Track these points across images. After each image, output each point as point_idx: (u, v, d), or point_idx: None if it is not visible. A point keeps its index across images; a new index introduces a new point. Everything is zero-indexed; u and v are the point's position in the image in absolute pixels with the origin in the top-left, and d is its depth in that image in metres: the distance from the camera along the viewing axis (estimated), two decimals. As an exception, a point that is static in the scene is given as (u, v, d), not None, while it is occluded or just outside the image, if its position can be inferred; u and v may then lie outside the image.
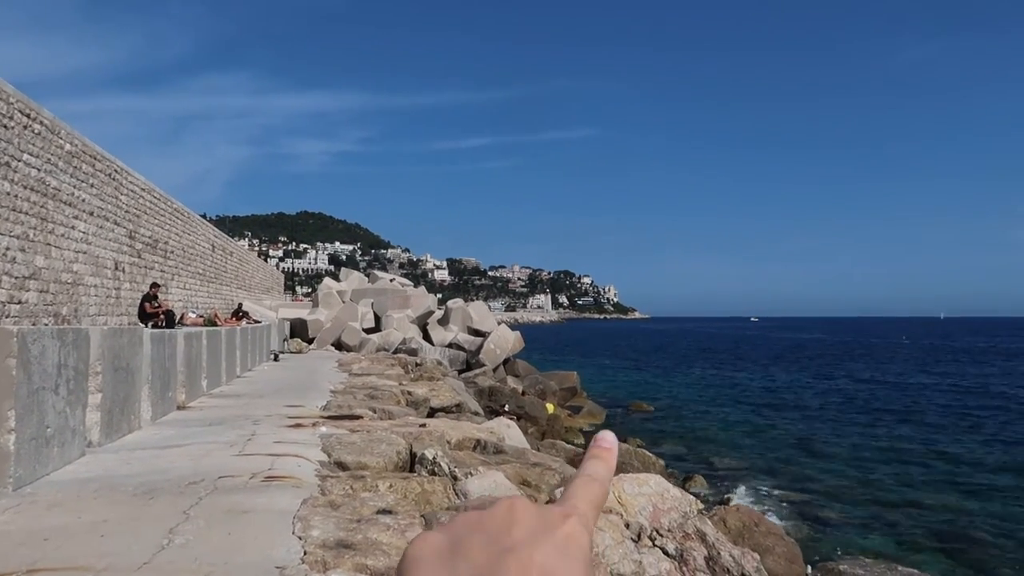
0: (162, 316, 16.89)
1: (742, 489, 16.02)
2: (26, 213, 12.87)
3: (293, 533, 4.25)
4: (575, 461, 12.51)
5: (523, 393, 24.98)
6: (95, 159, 16.72)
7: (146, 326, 16.31)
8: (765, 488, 16.34)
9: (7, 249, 12.05)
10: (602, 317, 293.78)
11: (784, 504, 15.24)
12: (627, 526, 6.33)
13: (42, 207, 13.60)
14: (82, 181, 15.80)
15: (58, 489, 5.26)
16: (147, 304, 17.06)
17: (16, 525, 4.34)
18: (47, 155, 13.88)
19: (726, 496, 15.03)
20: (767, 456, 20.26)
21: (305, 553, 3.92)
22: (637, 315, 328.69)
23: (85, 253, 15.85)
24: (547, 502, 6.64)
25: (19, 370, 5.24)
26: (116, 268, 18.01)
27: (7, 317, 11.90)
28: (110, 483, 5.45)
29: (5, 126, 12.13)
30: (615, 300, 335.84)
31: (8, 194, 12.17)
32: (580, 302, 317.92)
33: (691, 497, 6.99)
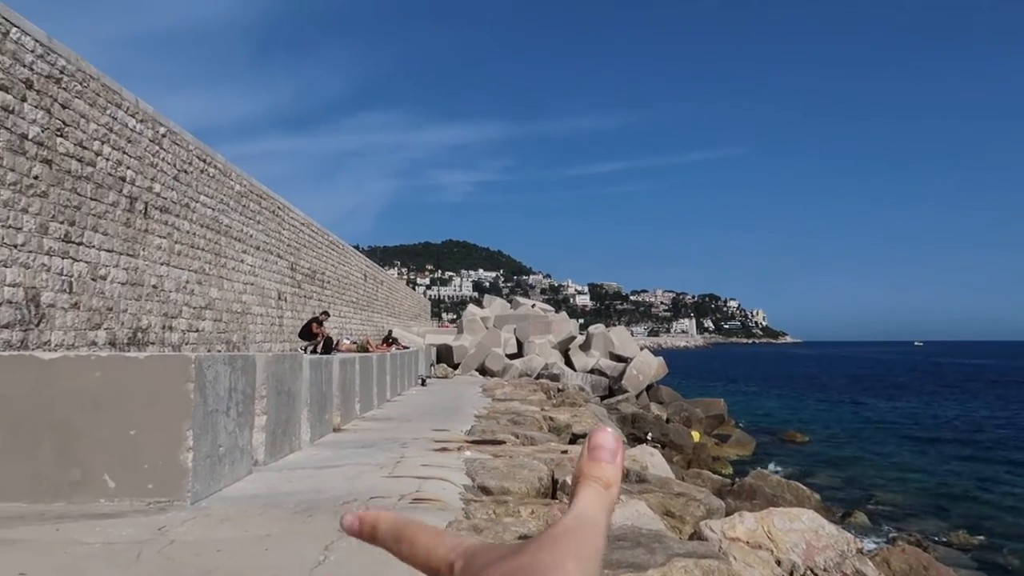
0: (321, 340, 17.96)
1: (908, 529, 14.78)
2: (203, 249, 14.14)
3: (438, 555, 4.35)
4: (722, 492, 12.06)
5: (667, 420, 24.41)
6: (261, 197, 18.15)
7: (304, 346, 17.47)
8: (935, 529, 14.99)
9: (187, 282, 13.28)
10: (750, 341, 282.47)
11: (956, 548, 13.91)
12: (778, 563, 6.02)
13: (216, 243, 14.90)
14: (250, 218, 17.18)
15: (229, 504, 5.69)
16: (313, 324, 18.17)
17: (193, 536, 4.73)
18: (220, 195, 15.23)
19: (890, 536, 13.93)
20: (937, 494, 18.61)
21: None
22: (788, 339, 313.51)
23: (252, 284, 17.18)
24: (691, 536, 6.44)
25: (196, 394, 5.74)
26: (279, 298, 19.38)
27: (187, 344, 13.08)
28: (273, 500, 5.84)
29: (185, 171, 13.43)
30: (764, 324, 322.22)
31: (188, 232, 13.43)
32: (726, 326, 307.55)
33: (849, 535, 6.56)
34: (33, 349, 8.37)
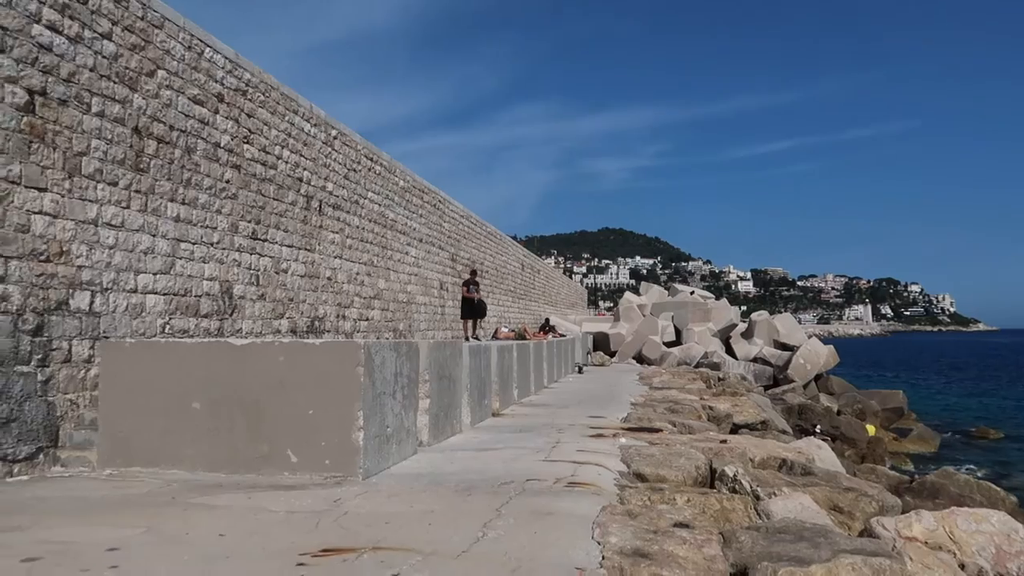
0: (476, 299, 18.86)
1: None
2: (371, 243, 15.01)
3: (592, 538, 4.43)
4: (899, 489, 11.27)
5: (838, 412, 23.07)
6: (423, 192, 18.98)
7: (462, 311, 18.61)
8: None
9: (357, 274, 14.16)
10: (936, 329, 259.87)
11: None
12: (962, 567, 5.59)
13: (383, 236, 15.77)
14: (413, 212, 18.02)
15: (396, 481, 6.08)
16: (465, 288, 19.31)
17: (365, 509, 5.10)
18: (386, 191, 16.09)
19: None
20: None
21: (603, 558, 4.08)
22: (981, 327, 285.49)
23: (416, 275, 18.03)
24: (861, 533, 6.10)
25: (366, 377, 6.16)
26: (441, 288, 20.19)
27: (358, 332, 13.97)
28: (436, 479, 6.15)
29: (355, 169, 14.31)
30: (951, 310, 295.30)
31: (358, 227, 14.32)
32: (908, 313, 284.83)
33: (1049, 541, 5.95)
34: (228, 337, 9.28)
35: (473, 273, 19.75)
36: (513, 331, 23.66)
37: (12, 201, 6.35)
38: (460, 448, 7.88)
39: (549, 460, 7.07)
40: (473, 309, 19.12)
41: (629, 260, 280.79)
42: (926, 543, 5.64)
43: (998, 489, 14.06)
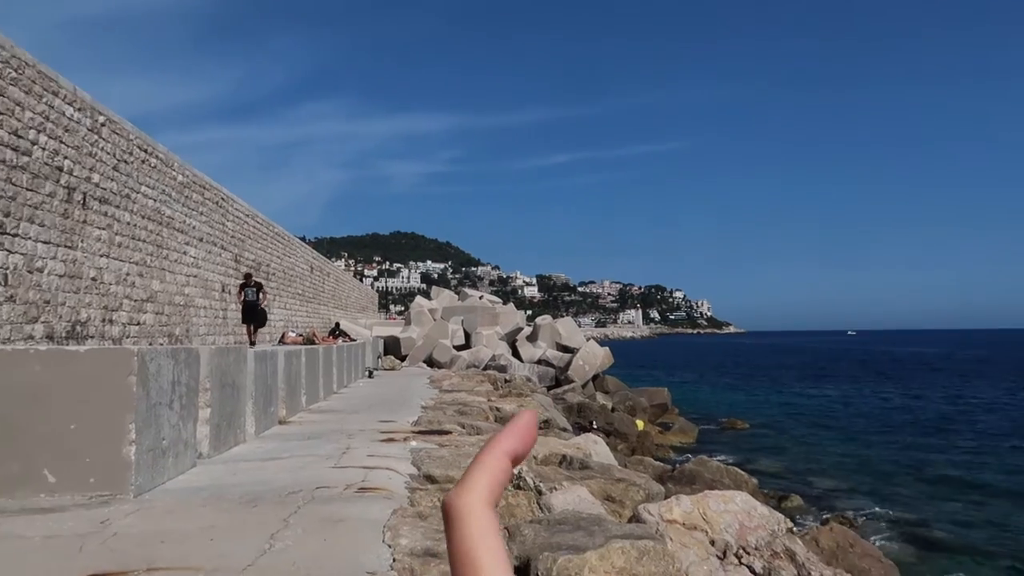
0: (253, 303, 17.93)
1: (841, 510, 15.43)
2: (144, 241, 13.88)
3: (383, 541, 4.48)
4: (663, 478, 12.43)
5: (612, 409, 24.86)
6: (204, 188, 17.85)
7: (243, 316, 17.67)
8: (865, 510, 15.68)
9: (127, 274, 13.03)
10: (695, 332, 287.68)
11: (885, 526, 14.60)
12: (712, 543, 6.30)
13: (158, 235, 14.63)
14: (193, 209, 16.89)
15: (173, 496, 5.71)
16: (240, 292, 18.27)
17: (137, 528, 4.75)
18: (162, 186, 14.95)
19: (824, 517, 14.54)
20: (869, 477, 19.43)
21: (394, 560, 4.14)
22: (732, 329, 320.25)
23: (196, 277, 16.91)
24: (630, 519, 6.69)
25: (138, 387, 5.72)
26: (223, 290, 19.10)
27: (128, 337, 12.84)
28: (218, 492, 5.86)
29: (126, 161, 13.16)
30: (708, 314, 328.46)
31: (128, 223, 13.17)
32: (672, 317, 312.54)
33: (779, 515, 6.89)
34: (-34, 343, 8.18)
35: (247, 276, 18.57)
36: (301, 335, 22.93)
37: None
38: (244, 459, 7.54)
39: (339, 467, 6.99)
40: (250, 314, 18.13)
41: (420, 264, 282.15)
42: (684, 524, 6.31)
43: (743, 473, 15.96)
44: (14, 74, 9.60)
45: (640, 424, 22.84)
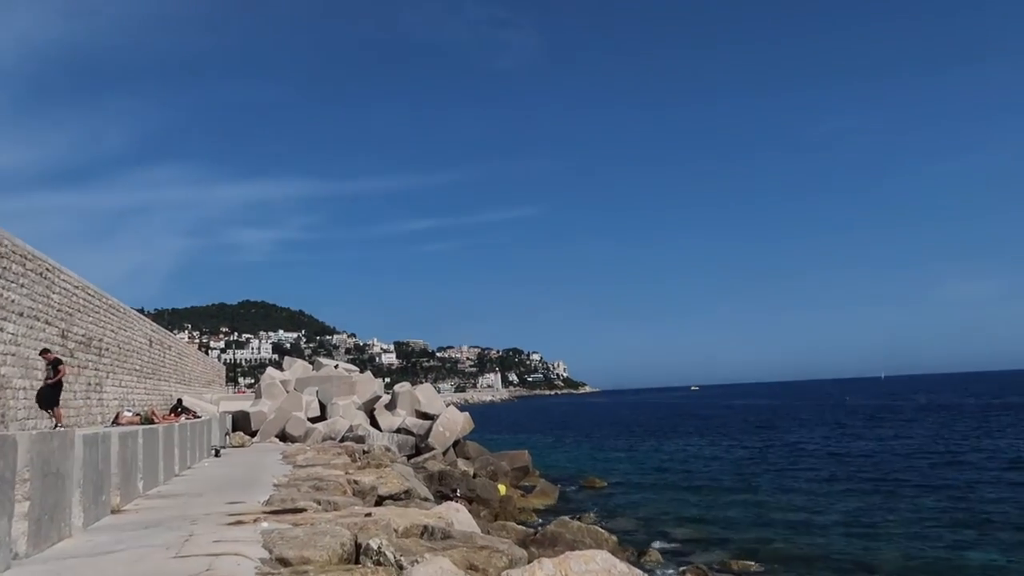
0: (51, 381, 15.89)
1: (695, 560, 15.96)
2: (-49, 317, 12.50)
3: (230, 635, 4.15)
4: (526, 542, 12.39)
5: (474, 475, 24.65)
6: (25, 259, 16.42)
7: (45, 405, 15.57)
8: (719, 559, 16.32)
9: (-70, 355, 11.64)
10: (553, 393, 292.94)
11: (737, 572, 15.24)
12: (575, 605, 6.31)
13: (-31, 310, 13.23)
14: (11, 282, 15.46)
15: (-20, 606, 5.03)
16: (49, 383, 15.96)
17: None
18: (-25, 257, 13.60)
19: (680, 569, 14.98)
20: (722, 527, 20.29)
21: (243, 655, 3.84)
22: (587, 389, 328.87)
23: (15, 355, 15.37)
24: (494, 585, 6.58)
25: (-59, 482, 5.07)
26: (66, 367, 17.44)
27: (-72, 426, 11.39)
28: (37, 596, 5.24)
29: (-69, 229, 11.90)
30: (565, 375, 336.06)
31: (-68, 298, 11.84)
32: (530, 379, 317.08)
33: (640, 572, 7.02)
34: None
35: (42, 353, 16.19)
36: (139, 415, 21.25)
37: None
38: (71, 555, 6.80)
39: (180, 556, 6.45)
40: (45, 395, 15.80)
41: (272, 334, 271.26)
42: (547, 588, 6.28)
43: (603, 531, 16.25)
44: None
45: (502, 489, 22.76)
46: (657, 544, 17.76)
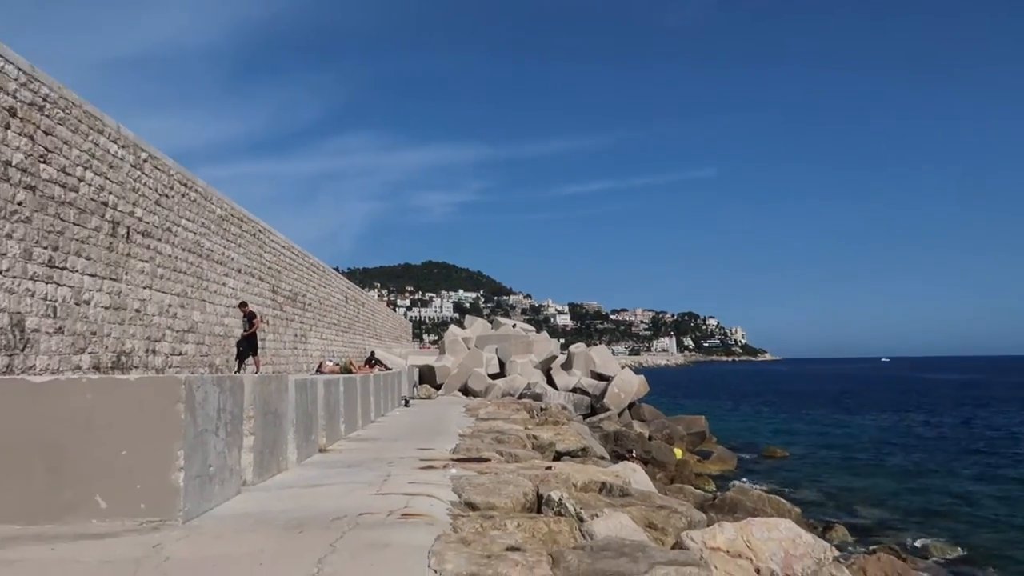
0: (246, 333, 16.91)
1: (887, 541, 15.00)
2: (185, 272, 14.18)
3: (428, 566, 4.49)
4: (704, 506, 12.23)
5: (650, 438, 24.58)
6: (242, 221, 18.22)
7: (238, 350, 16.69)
8: (914, 541, 15.24)
9: (169, 306, 13.30)
10: (730, 359, 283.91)
11: (935, 558, 14.16)
12: (757, 571, 6.19)
13: (198, 267, 14.95)
14: (231, 241, 17.23)
15: (220, 522, 5.77)
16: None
17: (188, 553, 4.82)
18: (201, 219, 15.30)
19: (871, 548, 14.16)
20: (916, 507, 18.90)
21: (440, 585, 4.14)
22: (767, 357, 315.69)
23: (234, 307, 17.17)
24: (673, 546, 6.59)
25: (186, 414, 5.83)
26: (262, 320, 19.37)
27: (170, 368, 13.08)
28: (264, 518, 5.92)
29: (167, 195, 13.51)
30: (743, 342, 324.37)
31: (170, 256, 13.48)
32: (706, 344, 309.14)
33: (825, 543, 6.75)
34: (19, 374, 8.40)
35: (241, 305, 17.02)
36: (338, 365, 23.11)
37: None
38: (287, 486, 7.60)
39: (381, 494, 7.01)
40: (245, 344, 16.77)
41: (452, 293, 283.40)
42: (728, 551, 6.21)
43: (785, 501, 15.65)
44: (61, 114, 9.96)
45: (678, 452, 22.54)
46: (844, 519, 16.88)
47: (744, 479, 20.73)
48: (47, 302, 9.29)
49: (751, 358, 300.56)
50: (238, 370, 17.15)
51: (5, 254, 8.46)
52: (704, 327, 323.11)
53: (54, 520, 5.59)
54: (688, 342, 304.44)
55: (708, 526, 7.32)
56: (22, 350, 8.66)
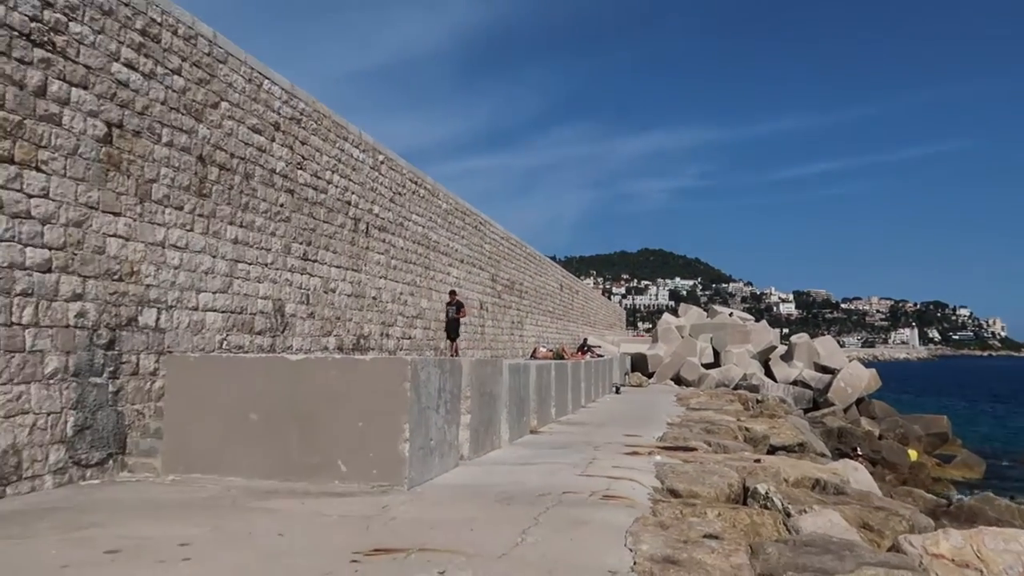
0: (447, 311, 17.11)
1: None
2: (414, 263, 15.50)
3: (624, 545, 4.72)
4: (936, 513, 11.25)
5: (880, 437, 22.81)
6: (464, 214, 19.46)
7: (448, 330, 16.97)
8: None
9: (401, 294, 14.63)
10: (986, 354, 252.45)
11: None
12: (988, 585, 5.71)
13: (426, 257, 16.25)
14: (455, 234, 18.49)
15: (439, 491, 6.42)
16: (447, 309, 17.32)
17: (410, 515, 5.46)
18: (429, 214, 16.59)
19: None
20: None
21: (635, 563, 4.36)
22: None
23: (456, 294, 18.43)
24: (889, 550, 6.25)
25: (412, 392, 6.53)
26: (481, 307, 20.59)
27: (401, 350, 14.40)
28: (477, 490, 6.49)
29: (400, 193, 14.83)
30: (1003, 334, 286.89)
31: (402, 248, 14.81)
32: (956, 337, 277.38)
33: (1077, 563, 6.03)
34: (279, 352, 9.77)
35: (451, 294, 17.49)
36: (551, 351, 23.92)
37: (91, 225, 6.91)
38: (499, 462, 8.19)
39: (585, 475, 7.35)
40: (450, 329, 17.25)
41: (668, 281, 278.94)
42: (953, 560, 5.78)
43: (1041, 515, 13.84)
44: (315, 125, 11.34)
45: (913, 454, 20.72)
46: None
47: (993, 489, 18.60)
48: (302, 291, 10.69)
49: (1013, 353, 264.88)
50: (449, 351, 18.03)
51: (270, 249, 9.88)
52: (954, 318, 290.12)
53: (304, 479, 6.54)
54: (933, 334, 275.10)
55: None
56: (282, 332, 10.06)
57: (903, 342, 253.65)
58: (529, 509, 5.65)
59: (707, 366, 30.62)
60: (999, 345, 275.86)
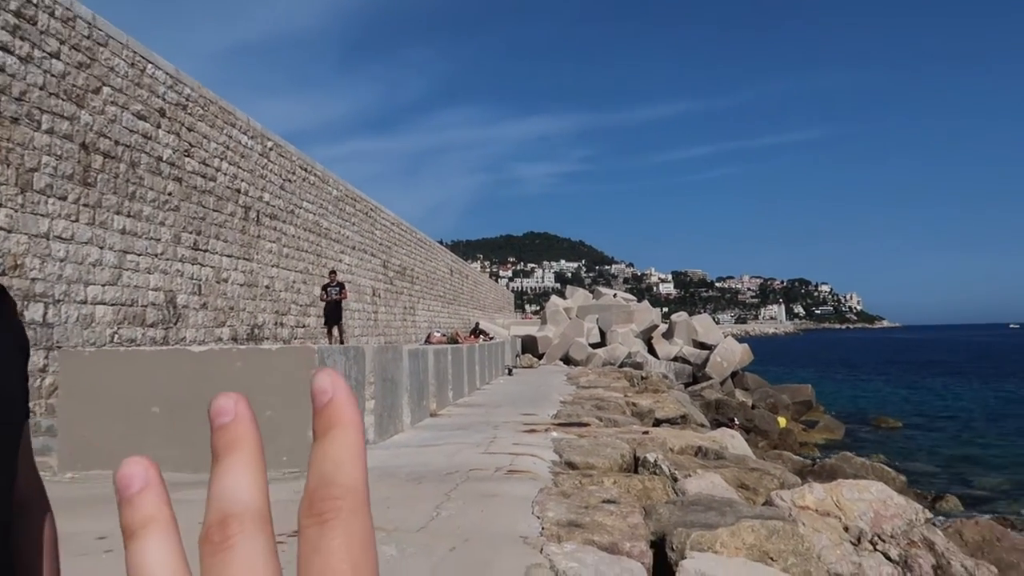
0: (327, 292, 15.65)
1: (1004, 512, 14.62)
2: (306, 251, 15.34)
3: (532, 513, 5.10)
4: (802, 472, 12.38)
5: (752, 407, 24.49)
6: (355, 200, 19.35)
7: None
8: (1031, 511, 14.76)
9: (294, 282, 14.48)
10: (844, 327, 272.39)
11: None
12: (845, 529, 6.49)
13: (317, 245, 16.11)
14: (346, 221, 18.38)
15: (350, 474, 6.60)
16: (323, 291, 15.73)
17: (327, 497, 5.62)
18: (320, 201, 16.43)
19: (987, 517, 13.86)
20: (1036, 478, 18.13)
21: (543, 528, 4.75)
22: (885, 324, 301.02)
23: (350, 283, 18.36)
24: (763, 503, 6.97)
25: (320, 379, 6.66)
26: (373, 294, 20.57)
27: (295, 339, 14.28)
28: (387, 471, 6.71)
29: (290, 180, 14.63)
30: (858, 308, 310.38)
31: (294, 236, 14.64)
32: (818, 311, 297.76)
33: (917, 506, 6.94)
34: (173, 345, 9.57)
35: (331, 274, 15.86)
36: (445, 335, 24.18)
37: (-30, 218, 6.59)
38: (404, 445, 8.43)
39: (488, 453, 7.70)
40: (332, 314, 15.74)
41: (554, 264, 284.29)
42: (816, 510, 6.53)
43: (890, 469, 15.42)
44: (201, 111, 11.06)
45: (782, 421, 22.39)
46: (958, 491, 16.49)
47: (850, 449, 20.44)
48: (193, 281, 10.46)
49: (867, 325, 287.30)
50: (343, 341, 17.52)
51: (159, 239, 9.62)
52: (816, 294, 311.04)
53: (216, 469, 6.55)
54: (798, 310, 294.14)
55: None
56: (175, 324, 9.85)
57: (772, 318, 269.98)
58: (440, 486, 5.94)
59: (594, 346, 31.75)
60: (855, 318, 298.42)
